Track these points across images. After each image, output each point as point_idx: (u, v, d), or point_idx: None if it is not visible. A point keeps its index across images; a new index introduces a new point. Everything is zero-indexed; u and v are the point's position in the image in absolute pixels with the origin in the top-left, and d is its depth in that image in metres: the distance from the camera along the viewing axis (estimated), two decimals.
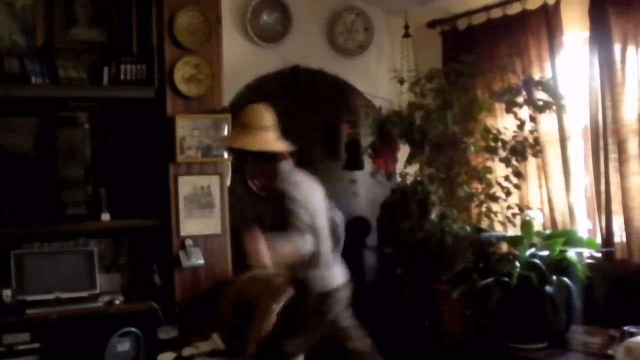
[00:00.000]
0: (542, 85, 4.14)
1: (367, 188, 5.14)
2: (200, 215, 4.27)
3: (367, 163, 4.93)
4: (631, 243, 3.88)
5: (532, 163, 4.37)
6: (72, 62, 4.24)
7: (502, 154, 4.27)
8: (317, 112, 5.08)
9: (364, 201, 5.16)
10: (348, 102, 5.16)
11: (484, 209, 4.33)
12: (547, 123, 4.27)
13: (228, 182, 4.42)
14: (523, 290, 3.82)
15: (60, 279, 4.08)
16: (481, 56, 4.51)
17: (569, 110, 4.16)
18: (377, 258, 5.00)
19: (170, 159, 4.23)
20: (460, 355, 4.18)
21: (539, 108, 4.15)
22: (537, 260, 3.95)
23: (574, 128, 4.23)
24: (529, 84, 4.19)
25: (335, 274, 3.50)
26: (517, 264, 3.99)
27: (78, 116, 4.24)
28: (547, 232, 4.24)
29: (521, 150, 4.23)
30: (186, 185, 4.26)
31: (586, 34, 4.05)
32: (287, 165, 3.44)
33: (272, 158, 3.40)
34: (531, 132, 4.26)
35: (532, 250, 4.08)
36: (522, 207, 4.30)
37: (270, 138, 3.42)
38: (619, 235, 3.95)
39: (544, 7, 4.24)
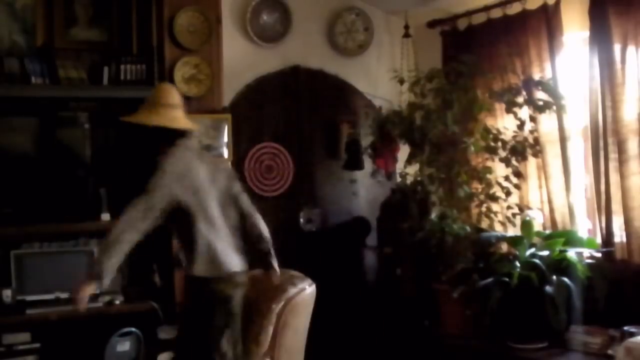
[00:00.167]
0: (542, 85, 4.14)
1: (367, 188, 5.14)
2: None
3: (367, 163, 4.93)
4: (631, 243, 3.88)
5: (532, 163, 4.37)
6: (72, 62, 4.24)
7: (502, 154, 4.26)
8: (317, 112, 5.08)
9: (364, 201, 5.16)
10: (348, 102, 5.17)
11: (484, 209, 4.33)
12: (547, 123, 4.27)
13: None
14: (523, 290, 3.82)
15: (60, 279, 4.08)
16: (481, 56, 4.51)
17: (569, 110, 4.16)
18: (377, 258, 5.00)
19: None
20: (460, 355, 4.18)
21: (539, 108, 4.15)
22: (537, 260, 3.95)
23: (574, 128, 4.23)
24: (529, 84, 4.19)
25: (230, 260, 3.29)
26: (517, 264, 3.99)
27: (78, 116, 4.24)
28: (547, 232, 4.24)
29: (521, 150, 4.23)
30: None
31: (586, 34, 4.05)
32: (184, 143, 3.28)
33: (172, 136, 3.27)
34: (531, 132, 4.26)
35: (532, 250, 4.08)
36: (522, 207, 4.30)
37: (172, 115, 3.28)
38: (619, 235, 3.95)
39: (544, 7, 4.24)
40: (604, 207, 3.98)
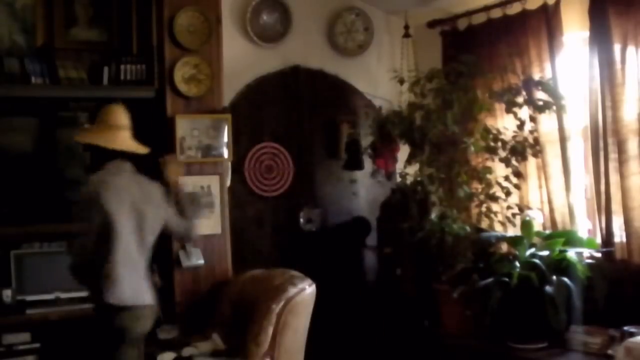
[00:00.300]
0: (542, 85, 4.14)
1: (367, 188, 5.14)
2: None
3: (367, 163, 4.93)
4: (631, 243, 3.88)
5: (532, 163, 4.37)
6: (72, 62, 4.24)
7: (502, 154, 4.26)
8: (317, 112, 5.08)
9: (364, 201, 5.17)
10: (348, 102, 5.17)
11: (484, 209, 4.32)
12: (547, 123, 4.27)
13: (228, 182, 4.42)
14: (523, 290, 3.82)
15: (60, 279, 4.06)
16: (481, 56, 4.51)
17: (569, 110, 4.16)
18: (377, 258, 5.00)
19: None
20: (460, 355, 4.18)
21: (539, 108, 4.15)
22: (537, 260, 3.95)
23: (574, 128, 4.23)
24: (529, 84, 4.19)
25: (135, 290, 3.24)
26: (517, 264, 3.99)
27: (78, 116, 4.24)
28: (547, 232, 4.24)
29: (521, 150, 4.22)
30: (186, 185, 4.25)
31: (586, 34, 4.05)
32: (115, 164, 3.30)
33: (107, 155, 3.30)
34: (531, 132, 4.26)
35: (532, 250, 4.08)
36: (522, 207, 4.30)
37: (114, 136, 3.33)
38: (619, 235, 3.95)
39: (544, 7, 4.24)
40: (604, 207, 3.98)
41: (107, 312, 3.19)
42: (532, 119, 4.25)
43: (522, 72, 4.37)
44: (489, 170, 4.32)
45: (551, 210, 4.26)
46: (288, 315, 3.72)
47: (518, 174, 4.26)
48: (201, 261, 4.20)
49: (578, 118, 4.23)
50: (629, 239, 3.89)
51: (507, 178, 4.25)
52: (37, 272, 4.06)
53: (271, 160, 4.91)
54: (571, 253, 3.93)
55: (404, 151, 4.67)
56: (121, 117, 3.39)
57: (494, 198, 4.29)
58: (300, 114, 5.03)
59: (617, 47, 3.88)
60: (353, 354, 4.74)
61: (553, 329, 3.81)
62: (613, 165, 3.92)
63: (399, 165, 4.72)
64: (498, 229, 4.43)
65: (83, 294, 4.08)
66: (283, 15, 4.95)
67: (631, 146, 3.85)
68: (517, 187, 4.30)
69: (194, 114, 4.28)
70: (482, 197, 4.32)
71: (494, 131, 4.33)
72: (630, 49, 3.84)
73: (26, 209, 4.08)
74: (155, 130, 4.31)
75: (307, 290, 3.84)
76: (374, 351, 4.65)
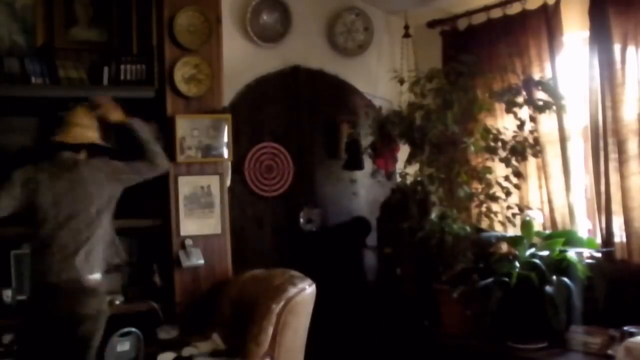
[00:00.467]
0: (542, 85, 4.14)
1: (367, 188, 5.14)
2: (200, 215, 4.27)
3: (367, 163, 4.93)
4: (631, 243, 3.88)
5: (532, 163, 4.37)
6: (72, 62, 4.24)
7: (502, 154, 4.26)
8: (317, 112, 5.08)
9: (364, 201, 5.17)
10: (348, 102, 5.17)
11: (484, 209, 4.33)
12: (547, 123, 4.27)
13: (228, 182, 4.42)
14: (523, 290, 3.82)
15: None
16: (481, 56, 4.51)
17: (569, 110, 4.16)
18: (377, 258, 5.00)
19: (170, 159, 4.22)
20: (460, 355, 4.18)
21: (539, 108, 4.15)
22: (537, 260, 3.95)
23: (574, 128, 4.23)
24: (529, 84, 4.19)
25: (57, 269, 3.37)
26: (517, 264, 3.99)
27: None
28: (547, 232, 4.24)
29: (521, 150, 4.22)
30: (186, 185, 4.25)
31: (586, 34, 4.05)
32: (61, 157, 3.53)
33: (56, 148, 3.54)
34: (531, 132, 4.26)
35: (532, 250, 4.08)
36: (522, 207, 4.30)
37: (71, 131, 3.57)
38: (619, 235, 3.96)
39: (544, 7, 4.24)
40: (604, 207, 3.98)
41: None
42: (532, 119, 4.25)
43: (522, 72, 4.37)
44: (489, 170, 4.32)
45: (551, 210, 4.26)
46: (288, 315, 3.72)
47: (518, 174, 4.26)
48: (201, 261, 4.20)
49: (578, 118, 4.24)
50: (629, 239, 3.89)
51: (507, 178, 4.26)
52: None
53: (271, 160, 4.91)
54: (571, 253, 3.93)
55: (404, 151, 4.67)
56: (77, 116, 3.61)
57: (494, 198, 4.29)
58: (300, 114, 5.03)
59: (617, 47, 3.88)
60: (353, 354, 4.74)
61: (553, 329, 3.81)
62: (613, 165, 3.93)
63: (399, 165, 4.72)
64: (498, 229, 4.43)
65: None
66: (283, 15, 4.95)
67: (631, 146, 3.85)
68: (517, 187, 4.30)
69: (194, 114, 4.28)
70: (482, 197, 4.32)
71: (494, 131, 4.33)
72: (630, 49, 3.84)
73: None
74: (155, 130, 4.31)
75: (307, 290, 3.84)
76: (374, 351, 4.65)
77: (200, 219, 4.27)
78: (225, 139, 4.33)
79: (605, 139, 3.95)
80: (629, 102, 3.86)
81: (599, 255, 4.01)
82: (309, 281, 3.90)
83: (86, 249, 3.42)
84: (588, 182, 4.21)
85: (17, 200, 3.45)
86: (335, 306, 4.66)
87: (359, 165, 5.01)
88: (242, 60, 4.79)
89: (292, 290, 3.78)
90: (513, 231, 4.31)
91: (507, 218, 4.30)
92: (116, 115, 3.70)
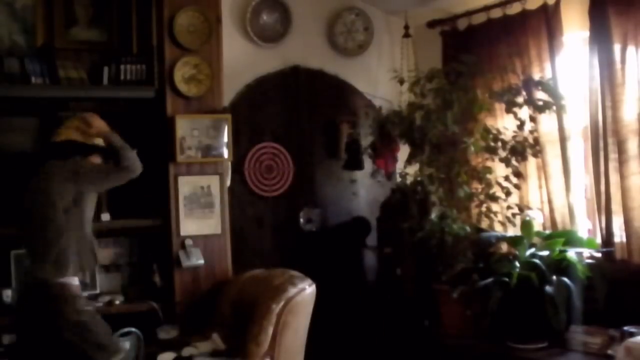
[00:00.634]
0: (542, 85, 4.14)
1: (367, 188, 5.14)
2: (200, 215, 4.27)
3: (367, 163, 4.93)
4: (631, 243, 3.88)
5: (532, 163, 4.37)
6: (72, 62, 4.24)
7: (502, 154, 4.26)
8: (317, 112, 5.08)
9: (364, 201, 5.17)
10: (348, 102, 5.17)
11: (484, 209, 4.32)
12: (547, 123, 4.27)
13: (228, 182, 4.42)
14: (523, 290, 3.82)
15: None
16: (481, 56, 4.51)
17: (569, 110, 4.16)
18: (377, 258, 5.00)
19: (170, 159, 4.23)
20: (460, 355, 4.18)
21: (539, 108, 4.15)
22: (537, 260, 3.95)
23: (574, 128, 4.23)
24: (529, 84, 4.19)
25: (30, 271, 3.52)
26: (517, 264, 3.99)
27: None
28: (547, 232, 4.24)
29: (521, 150, 4.22)
30: (186, 185, 4.26)
31: (586, 34, 4.05)
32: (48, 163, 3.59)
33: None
34: (531, 132, 4.26)
35: (532, 250, 4.08)
36: (522, 207, 4.30)
37: (58, 132, 3.66)
38: (619, 235, 3.95)
39: (544, 7, 4.24)
40: (604, 207, 3.98)
41: None
42: (532, 119, 4.25)
43: (522, 72, 4.37)
44: (489, 170, 4.32)
45: (551, 210, 4.26)
46: (288, 315, 3.72)
47: (518, 174, 4.26)
48: (201, 261, 4.20)
49: (578, 118, 4.23)
50: (629, 239, 3.88)
51: (507, 178, 4.25)
52: None
53: (271, 160, 4.92)
54: (571, 253, 3.93)
55: (404, 151, 4.67)
56: (68, 121, 3.72)
57: (494, 198, 4.29)
58: (300, 114, 5.03)
59: (617, 47, 3.88)
60: (353, 354, 4.74)
61: (553, 329, 3.81)
62: (613, 165, 3.92)
63: (399, 165, 4.73)
64: (498, 229, 4.43)
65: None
66: (283, 15, 4.95)
67: (631, 146, 3.85)
68: (517, 187, 4.30)
69: (194, 114, 4.28)
70: (482, 197, 4.32)
71: (494, 131, 4.33)
72: (630, 49, 3.84)
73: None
74: (155, 130, 4.31)
75: (307, 290, 3.84)
76: (374, 351, 4.65)
77: (200, 219, 4.27)
78: (225, 139, 4.33)
79: (605, 139, 3.95)
80: (629, 102, 3.86)
81: (599, 255, 4.00)
82: (309, 281, 3.90)
83: (56, 251, 3.39)
84: (588, 182, 4.21)
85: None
86: (335, 306, 4.66)
87: (359, 165, 5.01)
88: (242, 60, 4.79)
89: (292, 290, 3.78)
90: (513, 231, 4.31)
91: (507, 218, 4.30)
92: (103, 128, 3.69)
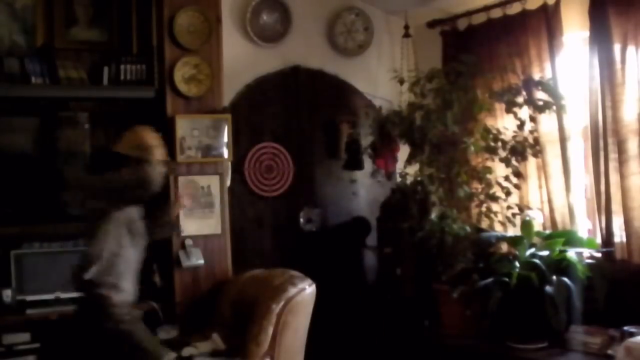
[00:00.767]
0: (542, 85, 4.14)
1: (367, 188, 5.14)
2: (200, 215, 4.27)
3: (367, 163, 4.93)
4: (631, 243, 3.88)
5: (532, 163, 4.37)
6: (72, 62, 4.24)
7: (502, 154, 4.26)
8: (317, 112, 5.08)
9: (364, 201, 5.17)
10: (348, 102, 5.17)
11: (484, 209, 4.32)
12: (547, 123, 4.27)
13: (228, 182, 4.42)
14: (523, 290, 3.82)
15: (60, 279, 4.07)
16: (481, 56, 4.51)
17: (569, 110, 4.16)
18: (377, 258, 5.00)
19: (170, 159, 4.22)
20: (460, 355, 4.18)
21: (539, 108, 4.15)
22: (537, 260, 3.95)
23: (574, 128, 4.23)
24: (529, 84, 4.19)
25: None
26: (517, 264, 3.99)
27: (78, 116, 4.25)
28: (547, 232, 4.24)
29: (521, 150, 4.22)
30: (186, 185, 4.25)
31: (586, 34, 4.05)
32: None
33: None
34: (531, 132, 4.26)
35: (532, 250, 4.08)
36: (522, 207, 4.30)
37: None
38: (619, 235, 3.95)
39: (544, 7, 4.24)
40: (604, 207, 3.98)
41: None
42: (532, 119, 4.24)
43: (522, 72, 4.37)
44: (489, 170, 4.32)
45: (551, 210, 4.26)
46: (288, 315, 3.72)
47: (518, 174, 4.26)
48: (201, 261, 4.20)
49: (578, 118, 4.23)
50: (629, 239, 3.88)
51: (507, 178, 4.25)
52: (37, 272, 4.06)
53: (271, 160, 4.91)
54: (571, 253, 3.93)
55: (404, 151, 4.67)
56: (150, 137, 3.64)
57: (494, 198, 4.29)
58: (300, 114, 5.03)
59: (617, 47, 3.88)
60: (353, 354, 4.74)
61: (553, 329, 3.81)
62: (613, 165, 3.92)
63: (399, 165, 4.72)
64: (498, 229, 4.43)
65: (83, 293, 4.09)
66: (283, 15, 4.95)
67: (631, 146, 3.85)
68: (517, 187, 4.30)
69: (194, 114, 4.28)
70: (482, 197, 4.32)
71: (494, 131, 4.33)
72: (630, 49, 3.84)
73: (26, 209, 4.08)
74: (155, 130, 4.31)
75: (307, 290, 3.84)
76: (374, 351, 4.65)
77: (200, 219, 4.27)
78: (225, 139, 4.33)
79: (605, 139, 3.95)
80: (629, 102, 3.86)
81: (599, 255, 4.00)
82: (309, 281, 3.90)
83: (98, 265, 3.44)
84: (588, 182, 4.21)
85: None
86: (335, 306, 4.66)
87: (359, 165, 5.01)
88: (242, 60, 4.79)
89: (292, 290, 3.78)
90: (513, 231, 4.31)
91: (507, 218, 4.30)
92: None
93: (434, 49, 5.01)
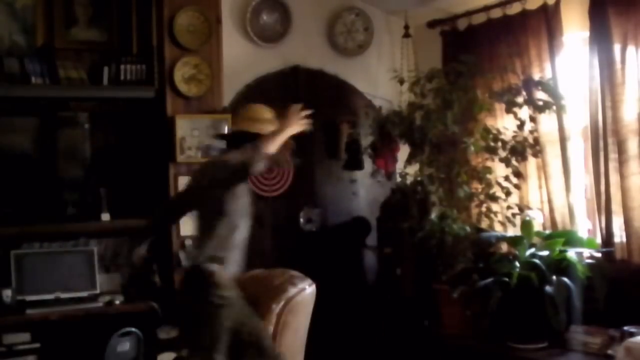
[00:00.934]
0: (542, 85, 4.14)
1: (367, 188, 5.14)
2: None
3: (367, 163, 4.93)
4: (631, 243, 3.88)
5: (532, 163, 4.37)
6: (72, 62, 4.24)
7: (502, 154, 4.26)
8: (317, 112, 5.06)
9: (364, 201, 5.16)
10: (348, 102, 5.16)
11: (484, 209, 4.33)
12: (547, 123, 4.27)
13: None
14: (523, 290, 3.82)
15: (60, 279, 4.09)
16: (481, 56, 4.51)
17: (569, 110, 4.16)
18: (377, 258, 5.00)
19: (170, 159, 4.22)
20: (460, 355, 4.18)
21: (539, 108, 4.15)
22: (537, 260, 3.95)
23: (574, 128, 4.23)
24: (529, 84, 4.19)
25: None
26: (517, 264, 3.99)
27: (78, 116, 4.25)
28: (547, 232, 4.24)
29: (521, 150, 4.22)
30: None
31: (586, 34, 4.05)
32: None
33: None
34: (531, 132, 4.26)
35: (532, 250, 4.08)
36: (522, 207, 4.30)
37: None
38: (619, 235, 3.95)
39: (544, 7, 4.24)
40: (604, 207, 3.98)
41: None
42: (532, 119, 4.24)
43: (522, 72, 4.37)
44: (489, 170, 4.32)
45: (551, 210, 4.25)
46: (288, 315, 3.72)
47: (518, 174, 4.26)
48: None
49: (578, 118, 4.23)
50: (629, 239, 3.88)
51: (507, 178, 4.25)
52: (37, 272, 4.06)
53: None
54: (571, 253, 3.93)
55: (404, 151, 4.67)
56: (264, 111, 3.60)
57: (494, 198, 4.29)
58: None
59: (617, 47, 3.88)
60: (353, 354, 4.74)
61: (553, 329, 3.81)
62: (613, 165, 3.92)
63: (399, 165, 4.73)
64: (498, 229, 4.43)
65: (83, 294, 4.10)
66: (283, 15, 4.95)
67: (631, 146, 3.85)
68: (517, 187, 4.30)
69: (194, 114, 4.28)
70: (482, 197, 4.32)
71: (494, 131, 4.33)
72: (630, 49, 3.84)
73: (26, 209, 4.08)
74: (155, 130, 4.32)
75: (307, 290, 3.84)
76: (374, 351, 4.65)
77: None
78: None
79: (605, 139, 3.95)
80: (629, 102, 3.86)
81: (599, 255, 4.00)
82: (309, 281, 3.89)
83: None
84: (588, 182, 4.21)
85: None
86: (335, 306, 4.66)
87: (359, 165, 5.01)
88: (242, 60, 4.78)
89: (292, 290, 3.77)
90: (513, 231, 4.31)
91: (507, 218, 4.30)
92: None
93: (434, 49, 5.01)
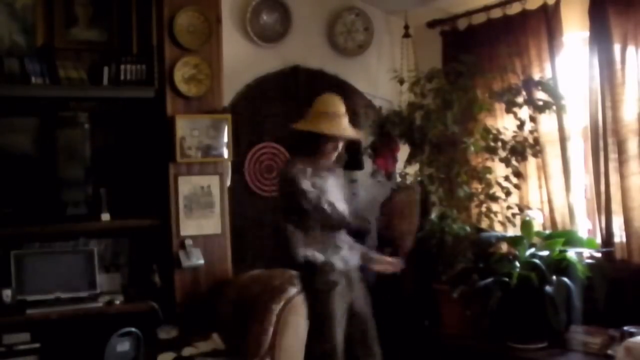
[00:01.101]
0: (542, 85, 4.14)
1: (367, 188, 5.13)
2: (200, 215, 4.27)
3: (367, 163, 4.93)
4: (631, 243, 3.88)
5: (532, 163, 4.37)
6: (72, 62, 4.23)
7: (502, 154, 4.27)
8: None
9: (364, 201, 5.16)
10: (348, 102, 5.14)
11: (484, 209, 4.33)
12: (547, 123, 4.27)
13: (228, 182, 4.42)
14: (523, 290, 3.83)
15: (60, 279, 4.08)
16: (481, 56, 4.51)
17: (569, 110, 4.16)
18: None
19: (170, 159, 4.22)
20: (460, 355, 4.19)
21: (539, 108, 4.15)
22: (537, 260, 3.95)
23: (574, 128, 4.24)
24: (529, 84, 4.19)
25: None
26: (517, 264, 3.99)
27: (78, 116, 4.24)
28: (547, 232, 4.24)
29: (521, 150, 4.23)
30: (186, 185, 4.25)
31: (586, 34, 4.05)
32: None
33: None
34: (531, 132, 4.27)
35: (532, 250, 4.08)
36: (522, 207, 4.30)
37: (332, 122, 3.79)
38: (619, 235, 3.96)
39: (544, 7, 4.24)
40: (603, 207, 3.98)
41: None
42: (532, 119, 4.25)
43: (522, 72, 4.37)
44: (489, 170, 4.33)
45: (551, 210, 4.26)
46: (288, 315, 3.72)
47: (518, 174, 4.26)
48: (201, 261, 4.19)
49: (578, 118, 4.24)
50: (629, 239, 3.89)
51: (507, 178, 4.26)
52: (37, 272, 4.06)
53: (271, 160, 4.91)
54: (571, 253, 3.93)
55: (404, 151, 4.67)
56: (338, 105, 3.82)
57: (494, 198, 4.29)
58: (300, 114, 5.01)
59: (617, 47, 3.88)
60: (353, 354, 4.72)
61: (553, 329, 3.81)
62: (613, 165, 3.93)
63: (399, 165, 4.72)
64: (498, 229, 4.43)
65: (83, 294, 4.10)
66: (283, 15, 4.95)
67: (631, 146, 3.85)
68: (517, 187, 4.30)
69: (194, 114, 4.28)
70: (482, 197, 4.33)
71: (494, 131, 4.33)
72: (630, 49, 3.84)
73: (26, 209, 4.07)
74: (155, 130, 4.31)
75: None
76: None
77: (200, 219, 4.27)
78: (225, 139, 4.33)
79: (605, 139, 3.95)
80: (629, 102, 3.86)
81: (599, 255, 4.01)
82: None
83: None
84: (588, 182, 4.21)
85: None
86: None
87: (359, 165, 5.01)
88: (242, 60, 4.78)
89: (292, 290, 3.77)
90: (513, 231, 4.32)
91: (507, 218, 4.30)
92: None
93: (434, 49, 5.01)
